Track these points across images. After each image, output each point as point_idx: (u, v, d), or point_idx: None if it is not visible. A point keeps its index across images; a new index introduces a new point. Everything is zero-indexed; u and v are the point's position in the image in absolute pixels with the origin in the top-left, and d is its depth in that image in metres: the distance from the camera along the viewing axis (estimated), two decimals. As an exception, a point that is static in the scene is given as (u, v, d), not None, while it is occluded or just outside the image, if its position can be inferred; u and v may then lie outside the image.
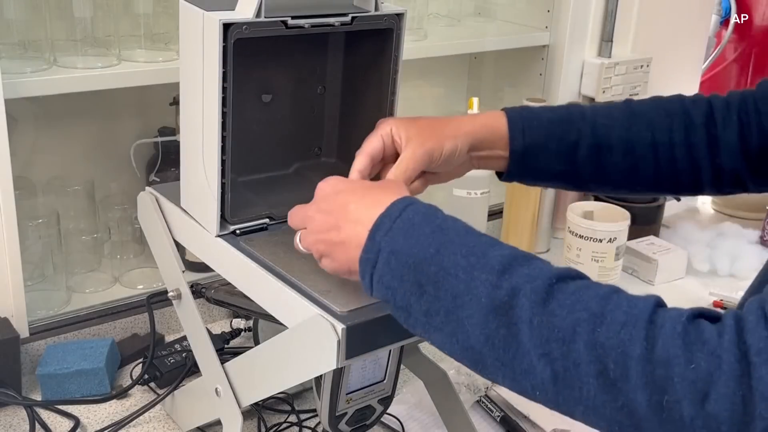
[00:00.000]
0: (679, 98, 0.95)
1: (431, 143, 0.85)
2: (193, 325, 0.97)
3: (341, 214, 0.73)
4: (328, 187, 0.78)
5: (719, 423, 0.51)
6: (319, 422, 1.00)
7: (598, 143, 0.91)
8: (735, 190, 0.94)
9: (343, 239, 0.72)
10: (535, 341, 0.58)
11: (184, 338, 1.21)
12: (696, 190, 0.95)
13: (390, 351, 0.88)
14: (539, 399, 0.60)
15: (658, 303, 0.58)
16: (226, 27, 0.80)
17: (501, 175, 0.95)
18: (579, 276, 0.62)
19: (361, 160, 0.86)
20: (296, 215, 0.79)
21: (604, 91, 1.63)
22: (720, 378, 0.52)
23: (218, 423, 0.94)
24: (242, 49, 0.82)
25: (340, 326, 0.72)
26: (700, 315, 0.56)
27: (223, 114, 0.83)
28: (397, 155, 0.86)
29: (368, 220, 0.70)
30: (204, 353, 0.94)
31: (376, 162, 0.87)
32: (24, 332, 1.16)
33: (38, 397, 1.13)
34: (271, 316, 0.82)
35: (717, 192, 0.95)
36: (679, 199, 1.75)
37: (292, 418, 1.12)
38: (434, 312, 0.65)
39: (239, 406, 0.90)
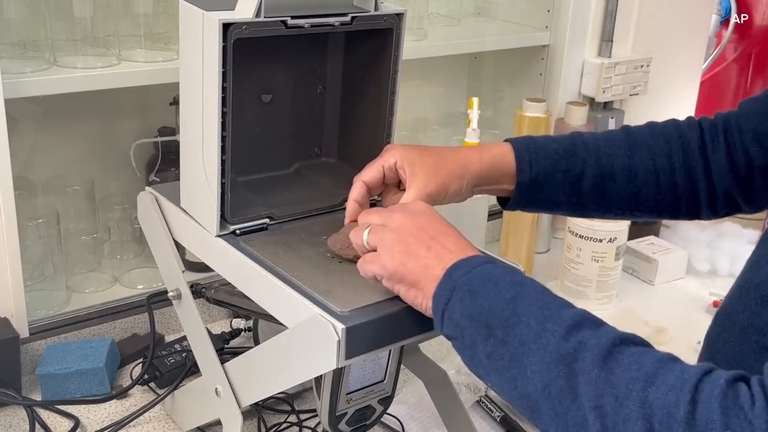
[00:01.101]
0: (674, 123, 0.97)
1: (435, 184, 0.86)
2: (193, 325, 0.97)
3: (438, 236, 0.74)
4: (427, 208, 0.79)
5: None
6: (319, 422, 1.00)
7: (602, 172, 0.93)
8: (731, 212, 0.96)
9: (430, 258, 0.72)
10: (590, 394, 0.60)
11: (184, 338, 1.21)
12: (694, 214, 0.97)
13: (390, 351, 0.88)
14: None
15: (709, 370, 0.59)
16: (226, 27, 0.80)
17: (504, 204, 0.96)
18: (642, 342, 0.64)
19: (358, 191, 0.86)
20: (379, 212, 0.79)
21: (604, 91, 1.63)
22: None
23: (218, 423, 0.94)
24: (242, 48, 0.82)
25: (340, 326, 0.72)
26: (740, 378, 0.58)
27: (223, 114, 0.83)
28: (399, 181, 0.87)
29: (458, 254, 0.72)
30: (204, 353, 0.94)
31: (374, 191, 0.87)
32: (24, 332, 1.16)
33: (38, 397, 1.13)
34: (271, 316, 0.82)
35: (714, 215, 0.97)
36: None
37: (292, 418, 1.12)
38: (498, 356, 0.66)
39: (239, 406, 0.90)
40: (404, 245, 0.74)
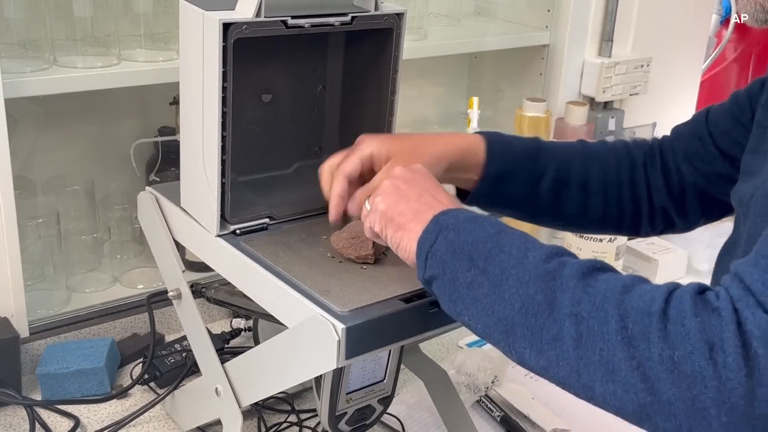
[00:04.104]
0: (623, 142, 1.04)
1: None
2: (193, 325, 0.97)
3: (431, 189, 0.78)
4: (424, 169, 0.82)
5: (728, 370, 0.55)
6: (319, 422, 1.00)
7: (560, 177, 0.97)
8: (666, 229, 1.02)
9: (421, 203, 0.76)
10: (566, 302, 0.62)
11: (184, 338, 1.21)
12: (635, 229, 1.03)
13: (390, 351, 0.88)
14: (561, 371, 0.63)
15: (679, 285, 0.62)
16: (226, 27, 0.80)
17: (464, 197, 0.97)
18: (617, 271, 0.67)
19: (341, 185, 0.87)
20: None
21: (604, 91, 1.63)
22: (722, 327, 0.56)
23: (218, 423, 0.94)
24: (242, 48, 0.82)
25: (340, 326, 0.72)
26: (707, 289, 0.61)
27: (223, 114, 0.83)
28: (372, 173, 0.88)
29: (449, 205, 0.75)
30: (204, 353, 0.94)
31: (352, 185, 0.88)
32: (24, 332, 1.16)
33: (38, 397, 1.13)
34: (271, 316, 0.82)
35: (652, 231, 1.03)
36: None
37: (292, 418, 1.12)
38: (478, 284, 0.68)
39: (239, 406, 0.90)
40: (397, 189, 0.77)
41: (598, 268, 0.65)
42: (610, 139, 1.74)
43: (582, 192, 0.98)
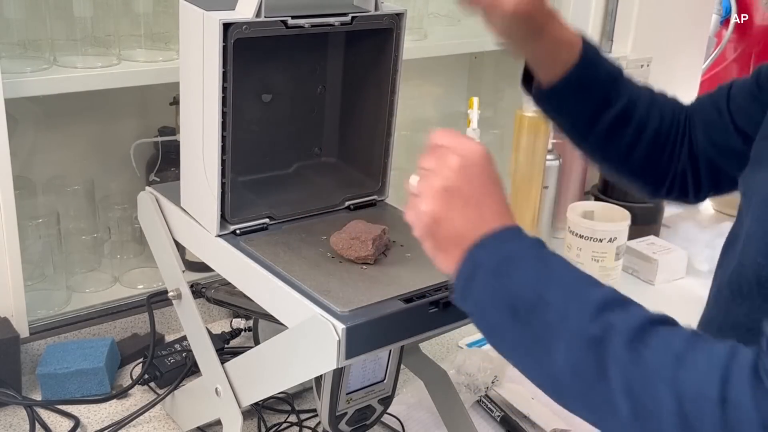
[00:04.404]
0: (674, 98, 1.01)
1: None
2: (193, 325, 0.97)
3: (480, 196, 0.71)
4: (482, 158, 0.72)
5: None
6: (319, 422, 1.00)
7: (625, 113, 0.95)
8: (679, 197, 1.01)
9: (463, 219, 0.70)
10: (619, 377, 0.60)
11: (184, 338, 1.21)
12: (654, 188, 1.01)
13: (390, 351, 0.88)
14: None
15: (735, 347, 0.60)
16: (226, 27, 0.80)
17: (530, 90, 0.96)
18: (671, 321, 0.64)
19: None
20: (436, 154, 0.72)
21: (604, 91, 1.63)
22: None
23: (218, 423, 0.94)
24: (242, 48, 0.82)
25: (340, 326, 0.72)
26: (758, 354, 0.58)
27: (223, 114, 0.83)
28: None
29: (491, 223, 0.70)
30: (204, 353, 0.94)
31: None
32: (24, 332, 1.16)
33: (38, 397, 1.13)
34: (271, 316, 0.82)
35: (667, 194, 1.01)
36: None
37: (292, 418, 1.12)
38: (524, 337, 0.66)
39: (239, 406, 0.90)
40: (445, 200, 0.70)
41: (649, 325, 0.62)
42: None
43: (635, 136, 0.96)
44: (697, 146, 0.96)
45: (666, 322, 0.63)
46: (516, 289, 0.66)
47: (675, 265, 1.56)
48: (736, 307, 0.77)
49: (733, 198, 2.04)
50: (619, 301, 0.65)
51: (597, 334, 0.62)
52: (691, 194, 1.00)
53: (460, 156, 0.71)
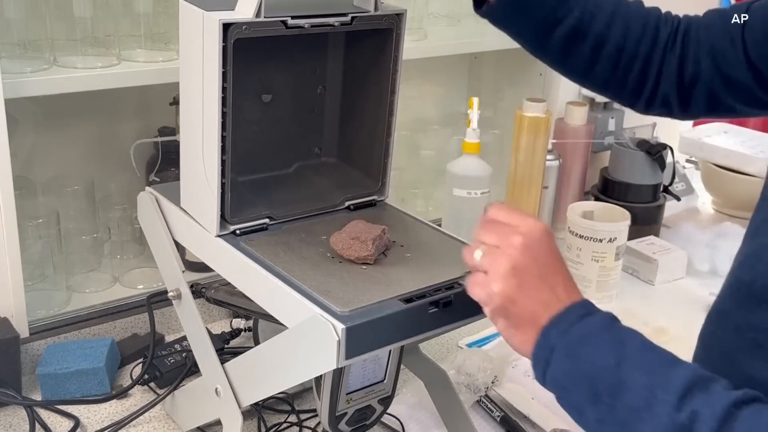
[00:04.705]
0: (657, 12, 0.96)
1: None
2: (193, 325, 0.97)
3: (550, 275, 0.70)
4: (545, 235, 0.72)
5: None
6: (319, 422, 1.00)
7: (578, 28, 0.92)
8: (663, 113, 0.97)
9: (535, 302, 0.70)
10: None
11: (184, 338, 1.21)
12: (629, 103, 0.98)
13: (390, 351, 0.88)
14: None
15: None
16: (226, 27, 0.80)
17: (478, 6, 0.95)
18: (755, 398, 0.63)
19: None
20: (496, 230, 0.72)
21: (604, 91, 1.63)
22: None
23: (218, 423, 0.94)
24: (242, 48, 0.82)
25: (340, 326, 0.72)
26: None
27: (223, 114, 0.83)
28: None
29: (564, 301, 0.70)
30: (204, 353, 0.94)
31: None
32: (24, 332, 1.16)
33: (38, 397, 1.13)
34: (271, 316, 0.82)
35: (645, 111, 0.97)
36: (679, 199, 1.75)
37: (292, 418, 1.12)
38: (608, 422, 0.65)
39: (239, 406, 0.90)
40: (517, 280, 0.69)
41: (734, 409, 0.61)
42: (610, 139, 1.74)
43: (594, 52, 0.93)
44: (699, 73, 0.90)
45: (753, 400, 0.62)
46: (593, 372, 0.66)
47: (675, 266, 1.56)
48: (759, 311, 0.74)
49: (734, 198, 2.04)
50: (702, 383, 0.64)
51: (683, 423, 0.61)
52: (677, 115, 0.96)
53: (524, 234, 0.71)
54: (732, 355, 0.76)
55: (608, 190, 1.67)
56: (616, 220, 1.45)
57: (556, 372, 0.68)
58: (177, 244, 0.97)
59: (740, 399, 0.62)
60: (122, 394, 1.14)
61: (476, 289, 0.72)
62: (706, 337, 0.82)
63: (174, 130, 1.30)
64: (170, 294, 0.97)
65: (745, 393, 0.63)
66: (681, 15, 0.96)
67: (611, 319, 0.70)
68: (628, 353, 0.66)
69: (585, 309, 0.70)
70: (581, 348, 0.67)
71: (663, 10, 0.97)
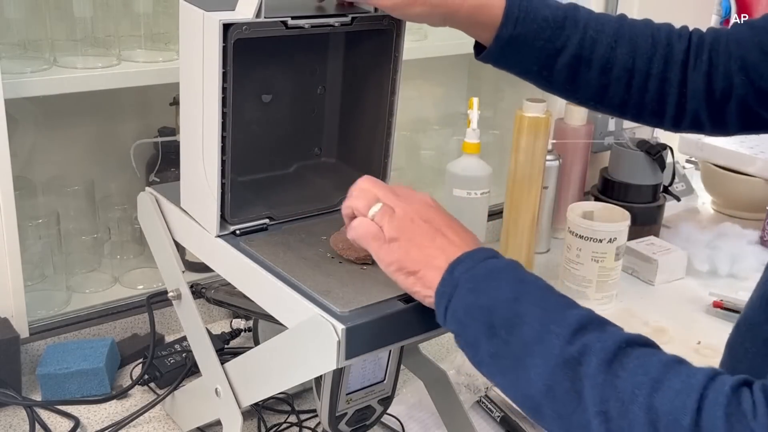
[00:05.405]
0: (668, 28, 0.94)
1: None
2: (193, 325, 0.97)
3: (443, 227, 0.74)
4: (433, 201, 0.78)
5: None
6: (319, 422, 1.00)
7: (580, 55, 0.90)
8: (694, 130, 0.94)
9: (433, 248, 0.72)
10: (595, 399, 0.60)
11: (184, 338, 1.21)
12: (655, 123, 0.95)
13: (390, 351, 0.88)
14: None
15: (714, 374, 0.59)
16: (226, 27, 0.80)
17: (478, 54, 0.94)
18: (647, 343, 0.63)
19: None
20: (387, 192, 0.77)
21: (604, 91, 1.63)
22: None
23: (218, 423, 0.94)
24: (242, 49, 0.82)
25: (340, 326, 0.72)
26: (744, 383, 0.57)
27: (223, 114, 0.83)
28: None
29: (462, 247, 0.72)
30: (204, 353, 0.94)
31: None
32: (24, 332, 1.16)
33: (38, 397, 1.13)
34: (271, 316, 0.82)
35: (675, 129, 0.95)
36: (679, 199, 1.75)
37: (292, 418, 1.12)
38: (502, 355, 0.66)
39: (239, 407, 0.90)
40: (410, 234, 0.73)
41: (625, 346, 0.61)
42: (610, 139, 1.74)
43: (602, 75, 0.90)
44: (731, 88, 0.88)
45: (645, 344, 0.62)
46: (495, 307, 0.67)
47: (675, 266, 1.56)
48: None
49: (733, 198, 2.04)
50: (596, 323, 0.64)
51: (573, 356, 0.61)
52: (709, 131, 0.93)
53: (412, 201, 0.76)
54: (761, 368, 0.75)
55: (608, 190, 1.67)
56: (616, 220, 1.45)
57: (457, 306, 0.69)
58: (177, 244, 0.97)
59: (634, 339, 0.62)
60: (122, 394, 1.15)
61: (367, 238, 0.75)
62: (735, 348, 0.81)
63: (174, 130, 1.30)
64: (170, 294, 0.97)
65: (641, 336, 0.63)
66: (701, 29, 0.94)
67: (517, 263, 0.72)
68: (528, 290, 0.68)
69: (491, 253, 0.72)
70: (484, 283, 0.68)
71: (677, 25, 0.96)
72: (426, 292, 0.73)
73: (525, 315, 0.66)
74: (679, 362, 0.60)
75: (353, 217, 0.77)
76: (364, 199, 0.77)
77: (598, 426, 0.59)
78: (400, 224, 0.74)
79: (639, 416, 0.57)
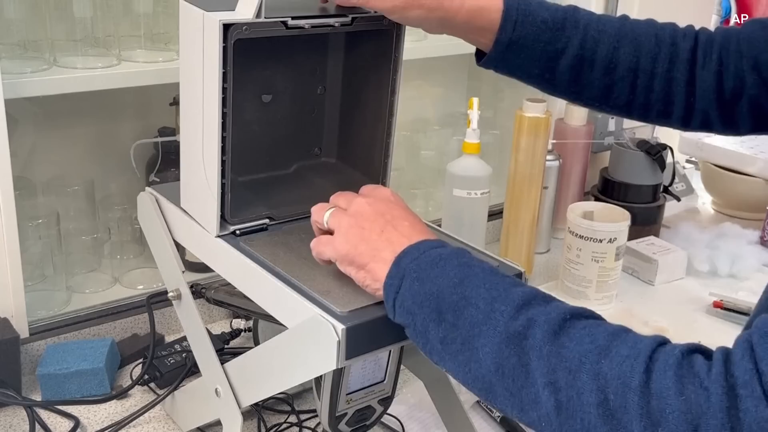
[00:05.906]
0: (672, 27, 0.94)
1: None
2: (193, 325, 0.97)
3: (394, 220, 0.75)
4: (391, 195, 0.80)
5: None
6: (319, 422, 1.00)
7: (582, 56, 0.89)
8: (702, 130, 0.94)
9: (381, 241, 0.74)
10: (542, 370, 0.60)
11: (184, 338, 1.21)
12: (663, 123, 0.94)
13: (390, 351, 0.88)
14: (546, 430, 0.61)
15: (663, 341, 0.59)
16: (226, 27, 0.80)
17: (479, 60, 0.94)
18: (593, 315, 0.63)
19: None
20: (345, 195, 0.81)
21: (604, 92, 1.63)
22: (709, 410, 0.53)
23: (218, 423, 0.94)
24: (242, 49, 0.82)
25: (340, 326, 0.72)
26: (695, 350, 0.57)
27: (223, 114, 0.83)
28: None
29: (410, 238, 0.73)
30: (204, 353, 0.94)
31: None
32: (24, 332, 1.16)
33: (38, 398, 1.13)
34: (271, 316, 0.82)
35: (684, 128, 0.94)
36: (679, 199, 1.75)
37: (292, 419, 1.12)
38: (450, 340, 0.66)
39: (239, 407, 0.90)
40: (358, 229, 0.75)
41: (570, 318, 0.61)
42: (610, 139, 1.74)
43: (606, 75, 0.89)
44: (743, 87, 0.87)
45: (590, 316, 0.62)
46: (441, 292, 0.67)
47: (675, 266, 1.56)
48: None
49: (733, 198, 2.04)
50: (540, 298, 0.64)
51: (518, 330, 0.62)
52: (719, 130, 0.92)
53: (367, 195, 0.79)
54: None
55: (608, 190, 1.67)
56: (616, 220, 1.45)
57: (406, 296, 0.69)
58: (177, 244, 0.97)
59: (579, 311, 0.62)
60: (122, 394, 1.15)
61: (322, 248, 0.78)
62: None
63: (174, 131, 1.30)
64: (170, 294, 0.97)
65: (586, 309, 0.63)
66: (708, 28, 0.93)
67: (464, 250, 0.72)
68: (473, 273, 0.68)
69: (438, 243, 0.72)
70: (430, 271, 0.69)
71: (682, 25, 0.95)
72: (375, 285, 0.73)
73: (471, 297, 0.66)
74: (626, 331, 0.60)
75: (320, 231, 0.81)
76: (320, 210, 0.81)
77: (547, 397, 0.59)
78: (348, 220, 0.76)
79: (587, 383, 0.57)
